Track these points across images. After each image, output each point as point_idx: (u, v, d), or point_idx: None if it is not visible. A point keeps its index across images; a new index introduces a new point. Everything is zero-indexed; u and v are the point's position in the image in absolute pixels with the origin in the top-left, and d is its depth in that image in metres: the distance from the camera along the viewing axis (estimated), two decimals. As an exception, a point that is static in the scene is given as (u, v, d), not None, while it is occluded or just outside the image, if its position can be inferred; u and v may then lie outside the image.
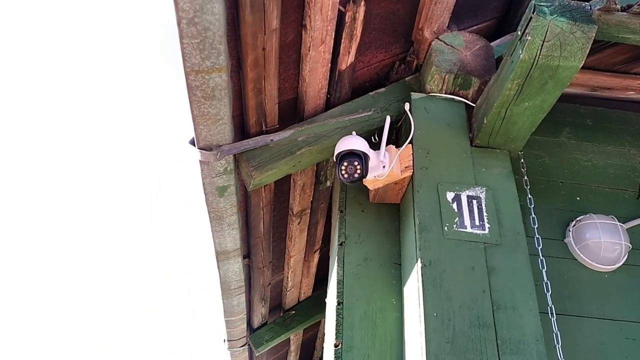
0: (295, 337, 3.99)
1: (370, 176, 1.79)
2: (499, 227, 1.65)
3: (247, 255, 2.64)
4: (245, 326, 3.25)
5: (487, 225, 1.65)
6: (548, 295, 1.64)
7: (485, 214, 1.67)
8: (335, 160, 1.77)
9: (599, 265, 1.81)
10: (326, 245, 3.04)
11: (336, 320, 1.67)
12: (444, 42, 2.00)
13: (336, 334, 1.65)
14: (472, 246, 1.60)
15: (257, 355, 3.49)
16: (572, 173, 2.09)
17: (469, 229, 1.63)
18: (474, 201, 1.69)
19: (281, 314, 3.54)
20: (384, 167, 1.77)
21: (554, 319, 1.59)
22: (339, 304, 1.71)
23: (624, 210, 1.97)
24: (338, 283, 1.75)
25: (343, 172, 1.69)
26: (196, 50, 1.45)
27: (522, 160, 1.95)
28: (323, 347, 4.74)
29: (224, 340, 3.49)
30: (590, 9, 1.47)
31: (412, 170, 1.77)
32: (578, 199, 2.01)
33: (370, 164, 1.78)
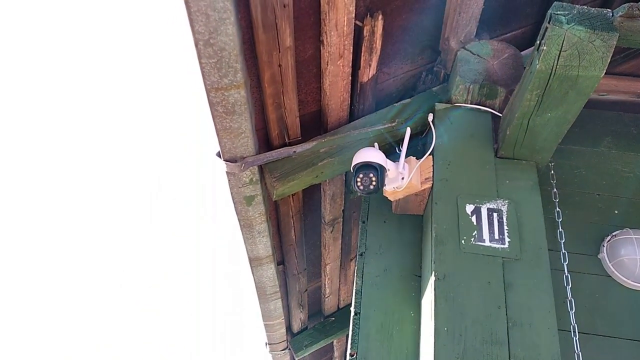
0: (338, 344, 4.03)
1: (389, 187, 1.79)
2: (520, 242, 1.60)
3: (281, 262, 2.70)
4: (285, 331, 3.32)
5: (507, 240, 1.61)
6: (572, 313, 1.57)
7: (506, 227, 1.63)
8: (352, 171, 1.79)
9: (634, 284, 1.71)
10: (362, 253, 3.05)
11: (352, 330, 1.69)
12: (470, 51, 1.97)
13: (352, 343, 1.67)
14: (489, 260, 1.57)
15: (297, 358, 3.56)
16: (611, 185, 1.98)
17: (487, 243, 1.60)
18: (495, 214, 1.66)
19: (321, 320, 3.58)
20: (402, 178, 1.77)
21: (576, 338, 1.53)
22: (356, 314, 1.72)
23: (667, 225, 1.85)
24: (356, 293, 1.77)
25: (359, 183, 1.71)
26: (214, 69, 1.53)
27: (552, 171, 1.88)
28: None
29: (266, 344, 3.58)
30: (612, 15, 1.41)
31: (431, 182, 1.76)
32: (616, 212, 1.91)
33: (390, 175, 1.79)
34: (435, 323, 1.46)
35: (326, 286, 3.15)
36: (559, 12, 1.42)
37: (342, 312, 3.54)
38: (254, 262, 2.46)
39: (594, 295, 1.73)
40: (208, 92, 1.61)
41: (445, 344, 1.42)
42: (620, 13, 1.39)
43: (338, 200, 2.42)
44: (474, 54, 1.96)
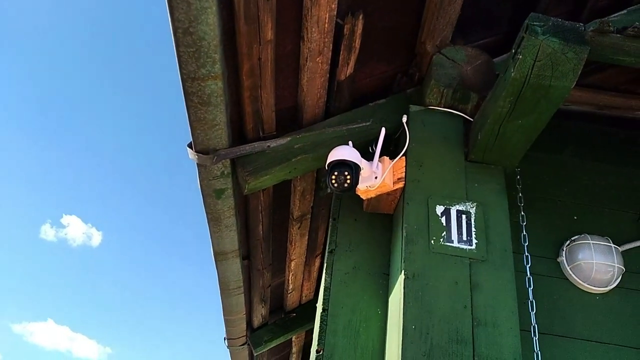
0: (297, 339, 4.03)
1: (362, 186, 1.81)
2: (487, 243, 1.65)
3: (247, 256, 2.68)
4: (245, 326, 3.30)
5: (474, 241, 1.65)
6: (533, 314, 1.63)
7: (473, 229, 1.68)
8: (326, 169, 1.79)
9: (590, 287, 1.79)
10: (328, 250, 3.06)
11: (320, 326, 1.70)
12: (445, 56, 2.01)
13: (319, 340, 1.67)
14: (457, 261, 1.61)
15: (256, 355, 3.54)
16: (572, 192, 2.07)
17: (455, 244, 1.64)
18: (464, 216, 1.70)
19: (282, 316, 3.58)
20: (376, 177, 1.79)
21: (536, 338, 1.59)
22: (323, 310, 1.73)
23: (622, 233, 1.95)
24: (325, 290, 1.77)
25: (333, 181, 1.72)
26: (192, 59, 1.50)
27: (519, 176, 1.94)
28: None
29: (225, 339, 3.54)
30: (584, 30, 1.47)
31: (404, 182, 1.78)
32: (575, 218, 2.00)
33: (363, 174, 1.81)
34: (403, 321, 1.48)
35: (290, 282, 3.15)
36: (535, 23, 1.47)
37: (304, 308, 3.55)
38: (219, 256, 2.43)
39: (552, 297, 1.80)
40: (184, 81, 1.57)
41: (413, 342, 1.45)
42: (591, 28, 1.45)
43: (308, 197, 2.42)
44: (449, 59, 2.00)
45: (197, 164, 1.89)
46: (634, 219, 2.02)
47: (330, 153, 1.79)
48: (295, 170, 1.97)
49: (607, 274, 1.79)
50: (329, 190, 2.45)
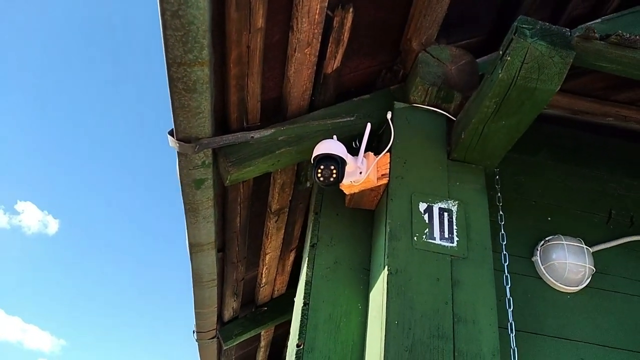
0: (266, 334, 4.00)
1: (346, 181, 1.80)
2: (467, 241, 1.67)
3: (222, 249, 2.64)
4: (216, 319, 3.26)
5: (455, 239, 1.67)
6: (510, 311, 1.67)
7: (455, 227, 1.70)
8: (312, 162, 1.78)
9: (562, 286, 1.85)
10: (303, 244, 3.05)
11: (301, 320, 1.69)
12: (430, 54, 2.02)
13: (299, 334, 1.66)
14: (439, 258, 1.62)
15: (225, 349, 3.50)
16: (546, 193, 2.12)
17: (437, 241, 1.66)
18: (446, 214, 1.72)
19: (253, 310, 3.55)
20: (360, 173, 1.79)
21: (513, 335, 1.63)
22: (305, 304, 1.72)
23: (592, 234, 2.01)
24: (306, 284, 1.76)
25: (319, 175, 1.71)
26: (179, 43, 1.46)
27: (497, 177, 1.98)
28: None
29: (194, 332, 3.49)
30: (570, 35, 1.50)
31: (388, 179, 1.79)
32: (549, 219, 2.05)
33: (348, 169, 1.80)
34: (386, 316, 1.49)
35: (263, 275, 3.12)
36: (523, 26, 1.50)
37: (275, 302, 3.53)
38: (195, 247, 2.39)
39: (526, 295, 1.85)
40: (169, 66, 1.53)
41: (395, 337, 1.46)
42: (577, 33, 1.49)
43: (287, 190, 2.40)
44: (434, 57, 2.02)
45: (177, 152, 1.84)
46: (603, 221, 2.09)
47: (317, 146, 1.78)
48: (279, 163, 1.94)
49: (579, 274, 1.85)
50: (308, 185, 2.44)
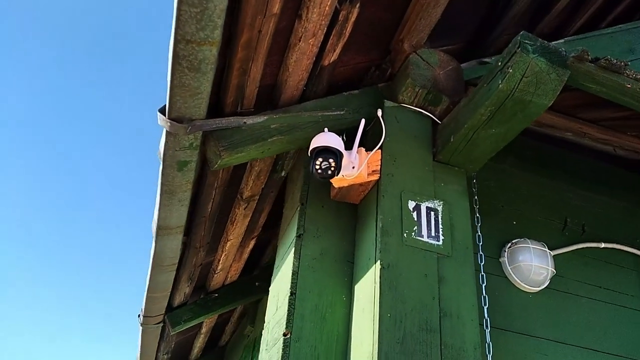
0: (208, 320, 3.94)
1: (338, 174, 1.82)
2: (452, 241, 1.75)
3: (187, 233, 2.56)
4: (166, 304, 3.17)
5: (441, 237, 1.75)
6: (485, 308, 1.77)
7: (440, 226, 1.77)
8: (309, 154, 1.78)
9: (526, 286, 1.99)
10: (265, 232, 3.04)
11: (288, 310, 1.69)
12: (420, 57, 2.08)
13: (287, 323, 1.66)
14: (426, 255, 1.69)
15: (172, 334, 3.41)
16: (512, 199, 2.27)
17: (425, 239, 1.72)
18: (432, 213, 1.79)
19: (202, 296, 3.48)
20: (353, 167, 1.81)
21: (488, 330, 1.73)
22: (291, 294, 1.72)
23: (551, 239, 2.18)
24: (293, 274, 1.76)
25: (317, 167, 1.71)
26: (193, 20, 1.40)
27: (475, 180, 2.08)
28: (233, 332, 4.69)
29: (139, 316, 3.36)
30: (566, 55, 1.61)
31: (378, 175, 1.83)
32: (514, 223, 2.19)
33: (342, 162, 1.81)
34: (379, 309, 1.53)
35: (220, 262, 3.07)
36: (526, 41, 1.59)
37: (226, 289, 3.48)
38: (162, 230, 2.31)
39: (494, 293, 1.97)
40: (177, 42, 1.47)
41: (388, 329, 1.50)
42: (573, 54, 1.60)
43: (262, 178, 2.37)
44: (424, 60, 2.08)
45: (166, 131, 1.77)
46: (560, 228, 2.27)
47: (315, 138, 1.78)
48: (269, 151, 1.92)
49: (541, 275, 2.00)
50: (283, 174, 2.43)
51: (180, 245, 2.49)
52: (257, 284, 3.44)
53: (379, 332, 1.49)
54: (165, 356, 4.15)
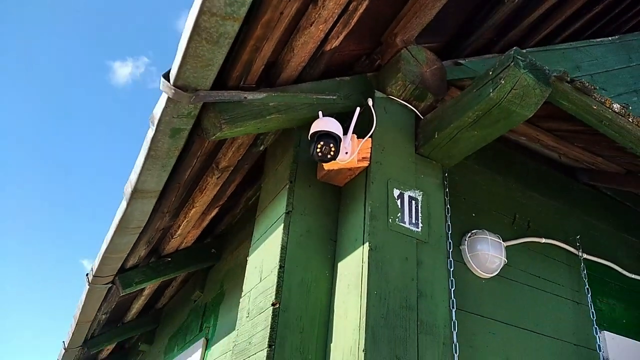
0: (152, 285, 3.92)
1: (331, 158, 1.91)
2: (429, 228, 1.93)
3: (159, 198, 2.55)
4: (119, 265, 3.13)
5: (420, 225, 1.91)
6: (452, 290, 1.98)
7: (420, 214, 1.94)
8: (310, 137, 1.85)
9: (482, 273, 2.22)
10: (229, 202, 3.07)
11: (277, 281, 1.79)
12: (410, 53, 2.20)
13: (276, 294, 1.76)
14: (408, 240, 1.85)
15: (121, 295, 3.38)
16: (473, 193, 2.49)
17: (407, 225, 1.88)
18: (413, 202, 1.95)
19: (153, 259, 3.46)
20: (346, 153, 1.91)
21: (454, 310, 1.94)
22: (280, 267, 1.82)
23: (503, 232, 2.43)
24: (282, 248, 1.85)
25: (318, 150, 1.80)
26: (225, -6, 1.42)
27: (446, 174, 2.27)
28: (172, 296, 4.69)
29: (87, 275, 3.30)
30: (549, 73, 1.80)
31: (368, 162, 1.95)
32: (474, 215, 2.42)
33: (336, 147, 1.91)
34: (367, 287, 1.67)
35: (180, 228, 3.07)
36: (519, 57, 1.75)
37: (180, 254, 3.48)
38: (138, 193, 2.30)
39: (454, 277, 2.18)
40: (201, 13, 1.49)
41: (375, 305, 1.65)
42: (555, 74, 1.80)
43: (241, 150, 2.41)
44: (413, 57, 2.20)
45: (167, 97, 1.77)
46: (511, 222, 2.53)
47: (316, 122, 1.85)
48: (265, 127, 1.97)
49: (495, 264, 2.24)
50: (261, 148, 2.48)
51: (151, 209, 2.48)
52: (213, 250, 3.48)
53: (366, 307, 1.64)
54: (104, 316, 4.09)
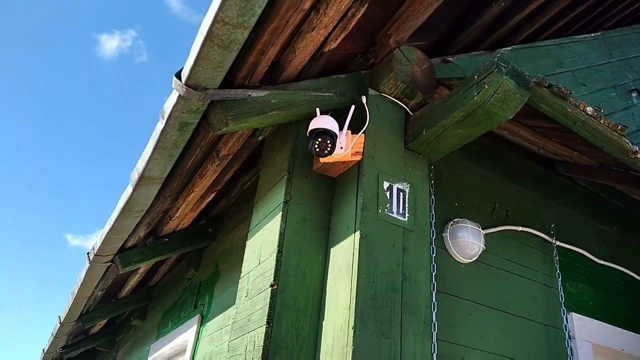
0: (146, 265, 4.08)
1: (327, 152, 2.07)
2: (414, 218, 2.11)
3: (163, 184, 2.69)
4: (120, 245, 3.28)
5: (407, 215, 2.09)
6: (433, 274, 2.17)
7: (407, 205, 2.11)
8: (308, 134, 2.01)
9: (462, 258, 2.42)
10: (226, 187, 3.23)
11: (275, 265, 1.96)
12: (402, 53, 2.35)
13: (274, 276, 1.94)
14: (395, 229, 2.03)
15: (120, 273, 3.54)
16: (456, 184, 2.67)
17: (394, 215, 2.06)
18: (401, 193, 2.12)
19: (150, 240, 3.61)
20: (341, 147, 2.08)
21: (434, 293, 2.14)
22: (279, 251, 1.99)
23: (483, 221, 2.62)
24: (280, 234, 2.02)
25: (316, 146, 1.96)
26: (237, 6, 1.56)
27: (432, 167, 2.44)
28: (165, 274, 4.85)
29: (88, 254, 3.45)
30: (529, 79, 1.97)
31: (361, 156, 2.11)
32: (456, 204, 2.61)
33: (331, 142, 2.07)
34: (357, 270, 1.86)
35: (178, 210, 3.22)
36: (502, 64, 1.92)
37: (176, 235, 3.64)
38: (144, 180, 2.44)
39: (436, 262, 2.38)
40: (215, 22, 1.62)
41: (364, 287, 1.84)
42: (534, 80, 1.97)
43: (241, 140, 2.56)
44: (405, 57, 2.35)
45: (178, 95, 1.90)
46: (490, 211, 2.73)
47: (314, 120, 2.01)
48: (266, 122, 2.12)
49: (474, 250, 2.44)
50: (259, 138, 2.63)
51: (155, 194, 2.63)
52: (210, 230, 3.65)
53: (356, 289, 1.82)
54: (100, 292, 4.26)
